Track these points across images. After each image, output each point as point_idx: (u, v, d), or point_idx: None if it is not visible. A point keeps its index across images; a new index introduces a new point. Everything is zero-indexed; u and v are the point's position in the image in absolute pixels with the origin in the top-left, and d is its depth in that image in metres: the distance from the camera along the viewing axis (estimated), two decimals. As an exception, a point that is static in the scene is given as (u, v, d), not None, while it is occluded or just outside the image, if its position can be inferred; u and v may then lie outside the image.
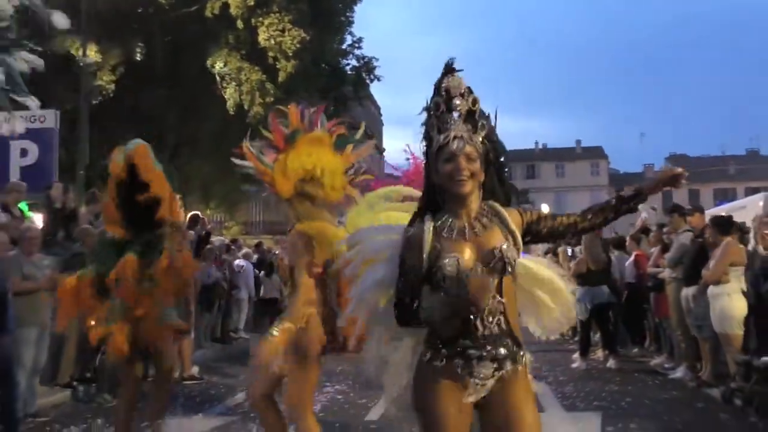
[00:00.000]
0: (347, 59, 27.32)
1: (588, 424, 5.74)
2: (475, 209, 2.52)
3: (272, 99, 20.97)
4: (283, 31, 21.15)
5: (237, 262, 12.97)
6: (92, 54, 19.35)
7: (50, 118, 13.31)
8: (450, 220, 2.50)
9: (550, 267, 2.83)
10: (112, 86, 20.87)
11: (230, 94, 21.92)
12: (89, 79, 18.86)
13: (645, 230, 10.40)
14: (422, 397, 2.46)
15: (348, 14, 25.85)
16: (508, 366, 2.40)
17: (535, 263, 2.77)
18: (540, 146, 64.48)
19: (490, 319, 2.41)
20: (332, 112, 25.46)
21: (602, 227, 2.93)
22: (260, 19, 21.28)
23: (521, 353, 2.45)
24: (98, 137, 18.80)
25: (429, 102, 2.58)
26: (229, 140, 23.66)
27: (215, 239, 12.84)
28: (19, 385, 5.69)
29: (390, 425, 3.52)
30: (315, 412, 4.14)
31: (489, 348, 2.40)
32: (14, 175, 11.63)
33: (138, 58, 22.09)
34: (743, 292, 6.71)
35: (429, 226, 2.48)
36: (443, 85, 2.55)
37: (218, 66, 22.13)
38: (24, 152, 12.83)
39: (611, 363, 9.08)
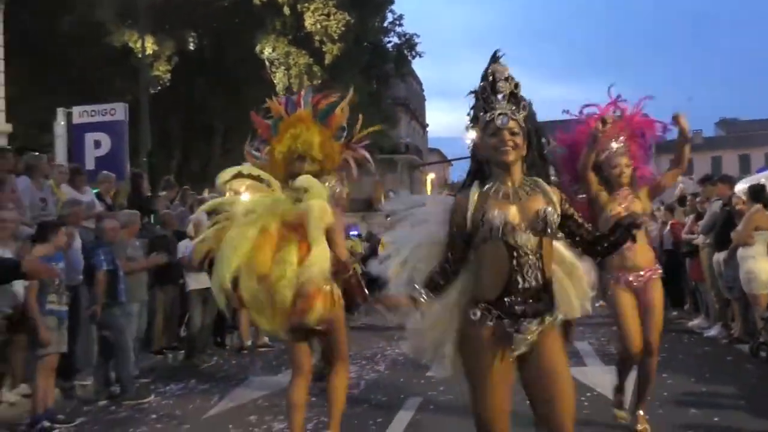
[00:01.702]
0: (388, 37, 27.79)
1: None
2: (518, 179, 2.79)
3: (319, 81, 21.73)
4: (328, 15, 21.84)
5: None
6: (149, 46, 20.28)
7: (120, 111, 14.29)
8: (496, 184, 2.77)
9: (569, 250, 3.02)
10: (168, 76, 21.90)
11: (279, 78, 22.72)
12: (147, 71, 19.83)
13: (682, 199, 10.92)
14: (470, 356, 2.73)
15: (389, -8, 26.14)
16: (547, 319, 2.70)
17: (559, 244, 2.97)
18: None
19: (530, 274, 2.68)
20: (374, 90, 26.16)
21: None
22: (306, 4, 21.97)
23: (556, 309, 2.76)
24: (153, 124, 19.88)
25: (477, 87, 2.88)
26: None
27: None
28: (131, 349, 6.63)
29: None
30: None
31: (531, 302, 2.67)
32: (89, 165, 12.37)
33: (191, 48, 23.11)
34: (769, 255, 7.32)
35: (475, 191, 2.77)
36: (490, 70, 2.85)
37: (267, 51, 22.91)
38: (97, 143, 13.80)
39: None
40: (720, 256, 8.18)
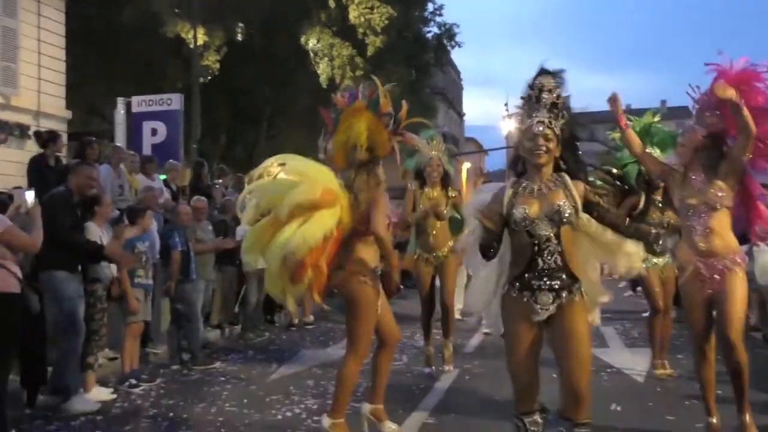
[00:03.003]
0: (428, 27, 28.21)
1: (641, 355, 7.06)
2: (546, 176, 3.28)
3: (362, 72, 22.40)
4: (371, 8, 22.46)
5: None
6: (200, 36, 21.15)
7: (176, 101, 15.20)
8: (526, 183, 3.30)
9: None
10: (217, 65, 22.78)
11: (323, 69, 23.43)
12: (198, 61, 20.73)
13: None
14: (505, 319, 3.35)
15: (430, -17, 26.45)
16: (564, 295, 3.19)
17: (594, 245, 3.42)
18: (623, 107, 63.23)
19: (549, 257, 3.20)
20: (414, 80, 26.73)
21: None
22: (351, -3, 22.68)
23: (576, 286, 3.21)
24: (203, 112, 20.81)
25: (525, 94, 3.32)
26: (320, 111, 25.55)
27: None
28: (200, 321, 7.48)
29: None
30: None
31: (546, 280, 3.20)
32: (146, 152, 13.10)
33: (239, 38, 23.97)
34: (784, 250, 7.87)
35: (510, 189, 3.31)
36: (537, 81, 3.29)
37: (311, 43, 23.65)
38: (154, 131, 14.72)
39: (673, 311, 10.25)
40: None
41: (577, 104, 3.46)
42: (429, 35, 28.11)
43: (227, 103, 24.36)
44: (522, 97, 3.35)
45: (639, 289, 11.70)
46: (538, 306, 3.20)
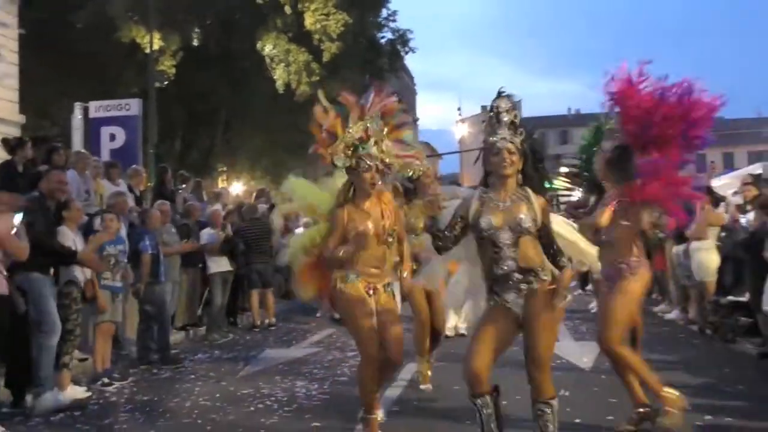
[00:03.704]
0: (383, 33, 28.61)
1: (589, 347, 7.53)
2: (512, 188, 3.65)
3: (318, 78, 22.73)
4: (327, 15, 22.74)
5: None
6: (156, 41, 21.15)
7: (134, 106, 15.23)
8: (492, 194, 3.67)
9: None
10: (173, 70, 22.80)
11: (279, 74, 23.62)
12: (154, 66, 20.72)
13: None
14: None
15: (385, -10, 26.66)
16: (524, 288, 3.58)
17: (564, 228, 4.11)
18: (572, 111, 64.95)
19: (506, 262, 3.59)
20: (369, 85, 27.12)
21: None
22: (306, 4, 22.87)
23: (535, 280, 3.58)
24: (159, 116, 20.83)
25: (486, 116, 3.80)
26: (277, 116, 25.70)
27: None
28: (169, 321, 7.70)
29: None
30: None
31: (506, 282, 3.60)
32: (104, 157, 13.13)
33: (195, 43, 24.02)
34: (717, 248, 8.48)
35: (477, 200, 3.68)
36: (495, 104, 3.74)
37: (267, 48, 23.82)
38: (112, 137, 14.75)
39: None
40: (679, 249, 9.32)
41: (529, 109, 3.91)
42: (383, 41, 28.55)
43: (183, 108, 24.37)
44: (484, 120, 3.81)
45: (588, 287, 12.34)
46: (506, 304, 3.62)
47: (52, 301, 5.80)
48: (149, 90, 20.10)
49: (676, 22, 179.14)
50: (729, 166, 43.75)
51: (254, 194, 14.69)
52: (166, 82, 21.98)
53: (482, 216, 3.63)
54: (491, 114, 3.75)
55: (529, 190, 3.68)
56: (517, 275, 3.60)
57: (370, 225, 4.26)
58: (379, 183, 4.38)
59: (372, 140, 4.30)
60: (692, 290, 9.30)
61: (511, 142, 3.64)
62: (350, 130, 4.28)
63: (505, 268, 3.60)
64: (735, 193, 10.41)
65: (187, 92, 23.62)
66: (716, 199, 8.90)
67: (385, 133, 4.38)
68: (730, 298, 7.93)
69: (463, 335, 8.43)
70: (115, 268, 6.75)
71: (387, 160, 4.37)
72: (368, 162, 4.24)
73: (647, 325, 9.52)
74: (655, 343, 7.97)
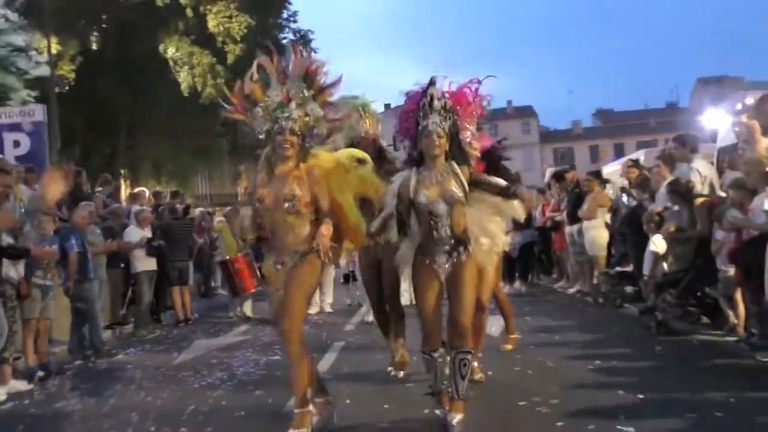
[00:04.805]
0: (284, 33, 28.97)
1: (496, 319, 8.32)
2: (441, 166, 4.17)
3: (223, 80, 22.86)
4: (230, 17, 23.01)
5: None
6: (53, 46, 20.74)
7: (39, 112, 15.00)
8: (425, 171, 4.19)
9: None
10: (72, 75, 22.42)
11: (184, 77, 23.67)
12: (53, 71, 20.31)
13: (549, 185, 13.10)
14: (414, 277, 4.29)
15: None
16: (455, 255, 4.12)
17: (487, 204, 4.29)
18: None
19: (442, 229, 4.14)
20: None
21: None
22: (209, 6, 23.06)
23: (465, 249, 4.12)
24: (59, 122, 20.44)
25: (420, 101, 4.21)
26: (182, 119, 25.59)
27: (198, 210, 14.99)
28: (100, 318, 7.94)
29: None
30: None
31: (441, 245, 4.14)
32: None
33: (93, 47, 23.67)
34: (606, 225, 9.49)
35: (414, 175, 4.19)
36: (428, 91, 4.22)
37: (170, 51, 23.83)
38: (16, 143, 14.51)
39: (523, 287, 11.76)
40: (573, 229, 10.29)
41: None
42: (284, 41, 28.85)
43: (82, 114, 23.95)
44: (418, 105, 4.24)
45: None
46: (436, 265, 4.16)
47: (-1, 305, 6.03)
48: (49, 95, 19.77)
49: (563, 18, 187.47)
50: (619, 154, 46.46)
51: (168, 195, 14.81)
52: (66, 88, 21.56)
53: (419, 190, 4.17)
54: (424, 101, 4.23)
55: (454, 164, 4.20)
56: (450, 242, 4.15)
57: (265, 191, 4.19)
58: (311, 147, 4.27)
59: (293, 103, 4.18)
60: (585, 264, 10.29)
61: (441, 127, 4.16)
62: (269, 95, 4.23)
63: (443, 233, 4.15)
64: (621, 175, 11.52)
65: (88, 98, 23.25)
66: (604, 183, 9.90)
67: (309, 95, 4.26)
68: (618, 269, 8.91)
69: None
70: (48, 267, 6.97)
71: (312, 124, 4.26)
72: (282, 124, 4.12)
73: (549, 299, 10.55)
74: (555, 312, 8.90)
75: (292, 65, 4.31)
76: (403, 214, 4.25)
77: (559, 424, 4.13)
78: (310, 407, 4.15)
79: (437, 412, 4.33)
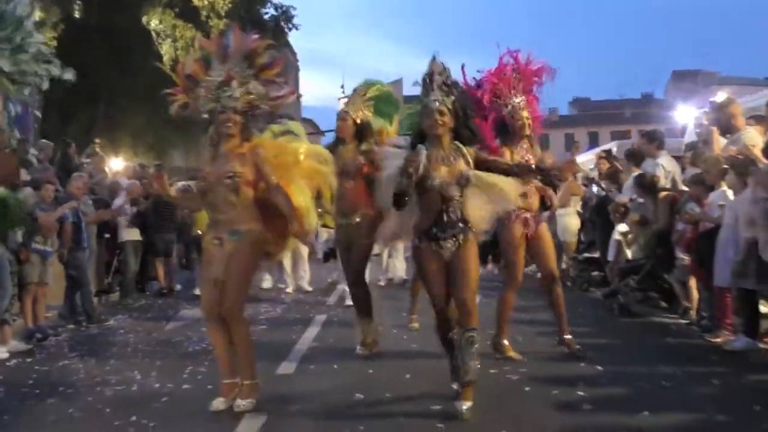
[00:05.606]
0: (266, 9, 28.89)
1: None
2: (446, 145, 3.99)
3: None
4: (215, -9, 23.04)
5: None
6: (36, 13, 20.62)
7: (27, 80, 15.14)
8: (433, 150, 4.00)
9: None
10: (54, 43, 22.29)
11: (166, 50, 23.65)
12: (36, 38, 20.24)
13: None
14: (420, 264, 4.22)
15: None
16: (461, 239, 4.04)
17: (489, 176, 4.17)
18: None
19: (453, 212, 4.01)
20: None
21: None
22: (193, -20, 23.04)
23: (468, 229, 4.07)
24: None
25: (421, 78, 4.09)
26: (163, 92, 25.59)
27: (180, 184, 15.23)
28: (91, 285, 8.28)
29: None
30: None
31: (449, 230, 4.02)
32: None
33: (76, 16, 23.54)
34: (578, 213, 10.01)
35: (424, 151, 3.96)
36: (430, 68, 4.06)
37: (153, 23, 23.77)
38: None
39: (495, 270, 12.25)
40: (546, 215, 10.79)
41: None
42: (266, 17, 28.77)
43: (62, 81, 23.82)
44: (419, 82, 4.14)
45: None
46: (442, 249, 4.09)
47: (7, 270, 6.36)
48: (31, 63, 19.73)
49: (561, 7, 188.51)
50: (594, 143, 47.07)
51: (153, 168, 15.02)
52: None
53: (432, 171, 3.99)
54: (424, 77, 4.10)
55: (460, 144, 4.07)
56: (460, 224, 4.06)
57: (208, 168, 4.31)
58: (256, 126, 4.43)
59: (235, 82, 4.24)
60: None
61: (443, 104, 3.99)
62: (211, 74, 4.29)
63: (453, 216, 4.03)
64: (592, 167, 12.04)
65: (69, 65, 23.10)
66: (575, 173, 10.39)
67: (251, 74, 4.34)
68: (586, 254, 9.44)
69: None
70: (47, 234, 7.30)
71: (256, 102, 4.33)
72: (224, 104, 4.20)
73: (522, 283, 11.03)
74: (526, 294, 9.38)
75: (232, 45, 4.39)
76: (406, 189, 3.97)
77: (526, 389, 4.63)
78: (237, 379, 4.37)
79: (453, 386, 4.24)
